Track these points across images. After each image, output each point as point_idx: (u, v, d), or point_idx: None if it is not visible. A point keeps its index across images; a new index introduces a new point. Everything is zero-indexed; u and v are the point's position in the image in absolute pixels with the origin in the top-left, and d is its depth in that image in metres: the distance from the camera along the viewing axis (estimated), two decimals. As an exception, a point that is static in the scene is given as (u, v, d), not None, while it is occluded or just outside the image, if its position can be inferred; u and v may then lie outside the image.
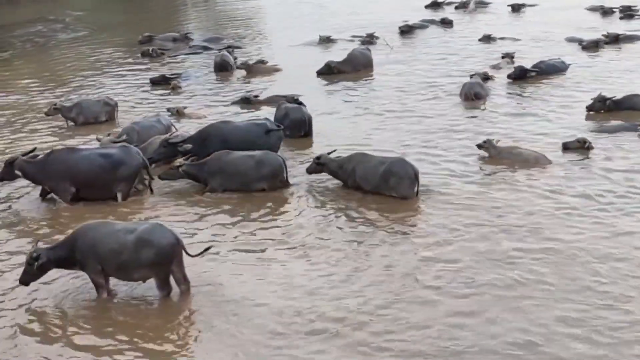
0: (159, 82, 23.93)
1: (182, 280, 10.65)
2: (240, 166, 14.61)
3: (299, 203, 14.09)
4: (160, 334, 9.94)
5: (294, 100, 18.90)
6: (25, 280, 10.67)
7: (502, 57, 24.78)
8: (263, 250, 12.14)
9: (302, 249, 12.15)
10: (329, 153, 14.96)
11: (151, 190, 14.77)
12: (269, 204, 14.03)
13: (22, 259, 11.39)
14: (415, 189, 13.90)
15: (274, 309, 10.30)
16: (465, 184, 14.45)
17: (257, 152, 14.84)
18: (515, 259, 11.36)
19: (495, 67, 23.97)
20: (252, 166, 14.57)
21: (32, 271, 10.52)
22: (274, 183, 14.60)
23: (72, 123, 19.68)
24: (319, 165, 14.78)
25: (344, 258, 11.70)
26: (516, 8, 35.69)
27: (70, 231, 11.13)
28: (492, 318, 9.85)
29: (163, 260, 10.34)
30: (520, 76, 21.90)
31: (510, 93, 21.18)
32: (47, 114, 19.82)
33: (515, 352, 9.14)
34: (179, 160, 14.81)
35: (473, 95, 20.35)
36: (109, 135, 16.83)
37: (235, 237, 12.69)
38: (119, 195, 14.35)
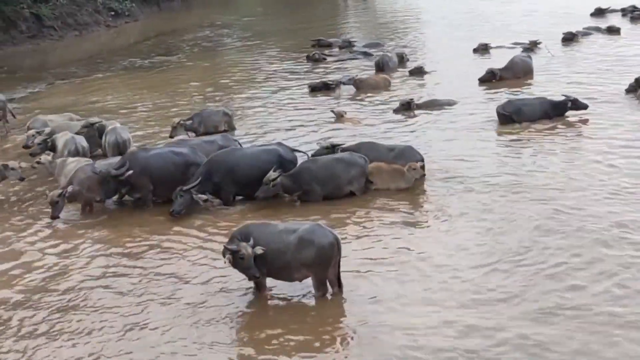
0: (319, 88, 24.23)
1: (336, 282, 10.84)
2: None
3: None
4: (314, 335, 10.06)
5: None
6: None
7: None
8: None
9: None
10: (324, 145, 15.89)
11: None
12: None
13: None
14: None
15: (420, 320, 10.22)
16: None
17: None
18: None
19: None
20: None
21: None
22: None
23: (192, 134, 19.03)
24: (327, 153, 15.39)
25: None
26: None
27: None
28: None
29: (323, 260, 10.52)
30: None
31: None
32: (171, 136, 18.73)
33: None
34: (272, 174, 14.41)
35: None
36: None
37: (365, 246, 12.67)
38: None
